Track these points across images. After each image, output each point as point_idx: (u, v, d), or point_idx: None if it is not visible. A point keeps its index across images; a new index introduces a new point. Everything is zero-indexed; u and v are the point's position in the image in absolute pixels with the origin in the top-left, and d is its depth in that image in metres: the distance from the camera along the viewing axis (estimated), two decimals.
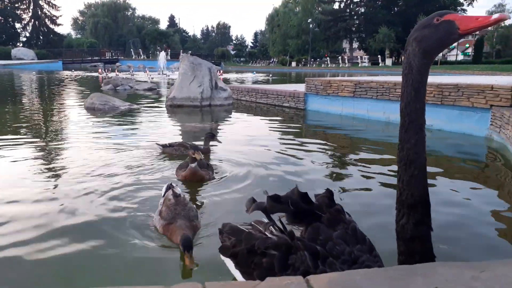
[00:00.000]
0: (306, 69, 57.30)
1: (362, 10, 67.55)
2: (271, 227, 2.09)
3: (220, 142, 5.87)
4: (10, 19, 77.99)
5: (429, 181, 1.99)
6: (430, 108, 7.17)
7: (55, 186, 4.24)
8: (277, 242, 1.94)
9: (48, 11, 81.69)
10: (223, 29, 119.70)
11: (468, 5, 60.83)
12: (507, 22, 55.41)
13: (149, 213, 3.44)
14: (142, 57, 68.17)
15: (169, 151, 5.64)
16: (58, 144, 6.61)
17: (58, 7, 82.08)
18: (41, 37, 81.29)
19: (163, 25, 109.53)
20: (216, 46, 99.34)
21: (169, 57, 52.79)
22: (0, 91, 19.17)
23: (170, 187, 3.35)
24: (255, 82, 25.77)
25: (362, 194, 4.24)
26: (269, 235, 2.03)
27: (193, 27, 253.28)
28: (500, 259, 1.62)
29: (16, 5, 79.03)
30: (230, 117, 11.08)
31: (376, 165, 5.47)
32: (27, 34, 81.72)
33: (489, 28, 57.16)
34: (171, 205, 3.05)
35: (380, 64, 53.89)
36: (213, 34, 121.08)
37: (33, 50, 63.21)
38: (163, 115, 10.74)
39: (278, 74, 42.64)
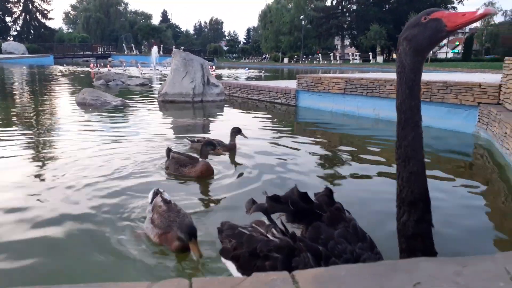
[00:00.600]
0: (298, 65, 57.30)
1: (354, 7, 67.64)
2: (272, 229, 2.06)
3: (246, 137, 5.90)
4: (0, 13, 76.80)
5: None
6: None
7: (43, 182, 4.23)
8: (280, 244, 1.92)
9: (39, 5, 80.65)
10: (215, 25, 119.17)
11: (459, 2, 61.24)
12: (496, 20, 55.83)
13: (138, 210, 3.45)
14: (134, 52, 67.64)
15: (196, 146, 5.70)
16: (47, 140, 6.57)
17: (50, 1, 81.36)
18: (32, 31, 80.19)
19: (156, 20, 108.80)
20: (209, 42, 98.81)
21: (161, 53, 52.46)
22: None
23: (157, 192, 3.23)
24: (247, 78, 25.71)
25: (356, 190, 4.28)
26: (271, 237, 2.01)
27: (186, 22, 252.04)
28: (482, 255, 1.65)
29: None
30: (222, 113, 11.07)
31: (367, 162, 5.52)
32: (18, 28, 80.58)
33: (478, 25, 57.64)
34: (163, 212, 2.92)
35: (371, 61, 54.07)
36: (206, 30, 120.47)
37: (24, 44, 62.30)
38: (155, 110, 10.70)
39: (271, 70, 42.61)
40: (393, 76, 10.48)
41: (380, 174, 4.82)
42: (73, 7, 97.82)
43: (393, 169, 5.00)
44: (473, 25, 65.26)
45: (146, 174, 4.59)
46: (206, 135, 6.19)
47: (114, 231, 3.06)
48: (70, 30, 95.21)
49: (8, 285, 2.37)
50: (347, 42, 71.88)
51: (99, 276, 2.51)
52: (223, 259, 2.19)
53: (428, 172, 1.99)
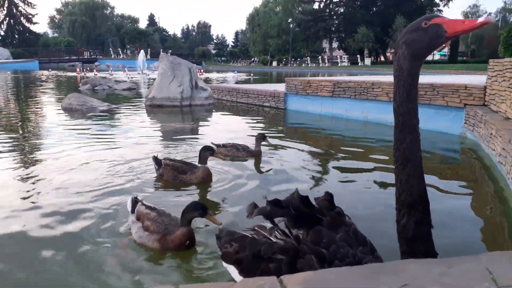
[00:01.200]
0: (287, 68, 57.50)
1: (342, 10, 68.16)
2: (276, 231, 2.06)
3: (270, 143, 5.88)
4: None
5: None
6: None
7: (29, 187, 4.16)
8: (284, 246, 1.92)
9: (24, 9, 79.63)
10: (203, 28, 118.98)
11: (444, 5, 62.18)
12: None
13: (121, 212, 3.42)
14: (121, 56, 67.19)
15: (222, 151, 5.67)
16: (33, 145, 6.47)
17: (34, 5, 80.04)
18: (17, 36, 79.11)
19: (143, 24, 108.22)
20: (196, 45, 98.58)
21: (148, 56, 52.16)
22: None
23: (136, 201, 3.19)
24: (237, 82, 25.71)
25: (346, 193, 4.29)
26: (275, 240, 2.01)
27: (173, 26, 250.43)
28: (468, 255, 1.67)
29: None
30: (211, 117, 11.05)
31: (357, 164, 5.56)
32: (2, 33, 79.38)
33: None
34: (155, 218, 2.92)
35: (359, 64, 54.50)
36: (194, 33, 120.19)
37: (8, 49, 61.50)
38: (142, 115, 10.63)
39: (259, 73, 42.67)
40: (381, 78, 10.60)
41: (373, 176, 4.86)
42: (58, 11, 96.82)
43: (385, 171, 5.05)
44: None
45: (136, 181, 4.52)
46: (231, 140, 6.16)
47: (96, 241, 3.02)
48: (56, 35, 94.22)
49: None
50: (335, 45, 72.38)
51: (87, 281, 2.48)
52: (224, 264, 2.17)
53: None
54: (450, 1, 61.29)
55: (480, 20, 1.72)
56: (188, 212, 2.76)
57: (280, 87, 12.44)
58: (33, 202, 3.77)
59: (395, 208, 2.01)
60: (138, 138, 7.08)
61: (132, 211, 3.12)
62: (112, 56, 66.64)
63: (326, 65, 57.04)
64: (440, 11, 62.06)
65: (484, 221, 3.61)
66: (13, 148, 6.29)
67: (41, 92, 18.38)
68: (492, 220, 3.69)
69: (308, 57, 64.92)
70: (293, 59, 67.81)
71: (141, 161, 5.33)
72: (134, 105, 12.87)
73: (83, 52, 66.58)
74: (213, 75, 36.68)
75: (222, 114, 11.49)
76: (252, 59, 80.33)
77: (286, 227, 2.07)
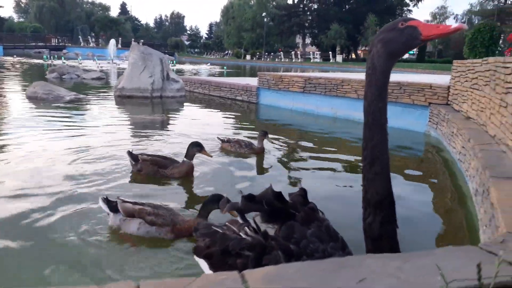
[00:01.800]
0: (260, 62, 57.48)
1: (315, 6, 68.65)
2: (245, 227, 2.06)
3: (271, 142, 5.79)
4: None
5: None
6: None
7: None
8: (251, 242, 1.93)
9: None
10: (177, 19, 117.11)
11: (414, 6, 63.70)
12: (448, 24, 58.54)
13: (88, 206, 3.35)
14: (91, 44, 65.21)
15: (226, 146, 5.67)
16: None
17: None
18: None
19: (114, 12, 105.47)
20: (169, 35, 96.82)
21: (119, 46, 50.93)
22: None
23: (108, 200, 3.12)
24: (211, 75, 25.50)
25: (317, 188, 4.33)
26: (244, 236, 2.01)
27: (146, 15, 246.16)
28: (423, 250, 1.73)
29: None
30: (182, 109, 10.94)
31: (327, 160, 5.65)
32: None
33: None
34: (153, 211, 2.99)
35: (331, 60, 55.15)
36: (167, 23, 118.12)
37: None
38: (111, 106, 10.39)
39: (233, 66, 42.47)
40: (350, 76, 10.77)
41: (338, 171, 4.96)
42: None
43: (353, 169, 5.16)
44: None
45: (109, 177, 4.40)
46: (236, 136, 6.08)
47: (64, 233, 2.96)
48: (22, 20, 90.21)
49: None
50: (308, 40, 72.89)
51: (47, 278, 2.42)
52: (196, 258, 2.18)
53: None
54: (419, 2, 62.87)
55: (454, 26, 1.78)
56: (209, 205, 2.92)
57: (253, 81, 12.45)
58: None
59: (362, 207, 2.04)
60: (105, 130, 6.92)
61: (113, 210, 3.05)
62: (82, 44, 64.57)
63: (299, 60, 57.42)
64: (410, 11, 63.64)
65: (444, 216, 3.76)
66: None
67: (4, 79, 17.61)
68: (451, 215, 3.85)
69: (281, 52, 65.14)
70: (266, 54, 67.87)
71: (108, 153, 5.22)
72: (103, 95, 12.56)
73: (51, 39, 64.13)
74: (186, 67, 36.23)
75: (194, 107, 11.39)
76: (226, 52, 79.82)
77: (255, 223, 2.07)
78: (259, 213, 2.11)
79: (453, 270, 1.51)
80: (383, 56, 1.91)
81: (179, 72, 24.62)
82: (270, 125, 8.76)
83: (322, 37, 60.41)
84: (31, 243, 2.80)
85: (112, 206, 3.05)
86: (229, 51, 78.11)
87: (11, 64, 29.49)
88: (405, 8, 63.54)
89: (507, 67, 3.88)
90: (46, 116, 8.21)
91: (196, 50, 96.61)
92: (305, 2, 68.38)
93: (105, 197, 3.15)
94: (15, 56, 41.95)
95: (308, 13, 68.70)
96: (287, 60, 59.06)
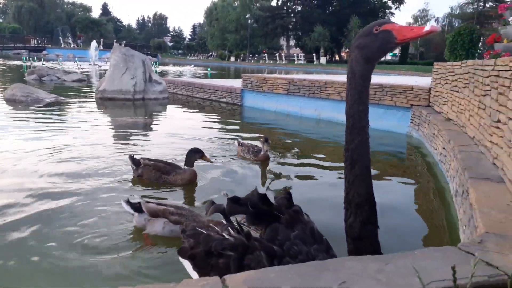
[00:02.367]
0: (244, 64, 57.52)
1: (299, 8, 69.11)
2: (229, 228, 2.07)
3: (269, 149, 5.57)
4: None
5: None
6: None
7: None
8: (234, 243, 1.94)
9: None
10: (160, 20, 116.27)
11: (396, 8, 64.76)
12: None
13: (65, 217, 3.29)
14: (72, 46, 64.19)
15: (238, 150, 5.60)
16: None
17: None
18: None
19: (96, 13, 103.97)
20: (152, 37, 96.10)
21: (101, 47, 50.25)
22: None
23: (129, 201, 3.19)
24: (194, 76, 25.37)
25: (301, 190, 4.37)
26: (227, 236, 2.02)
27: (128, 16, 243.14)
28: (404, 252, 1.75)
29: None
30: (165, 111, 10.85)
31: (310, 162, 5.66)
32: None
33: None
34: (176, 211, 3.08)
35: (315, 62, 55.56)
36: (150, 24, 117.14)
37: None
38: (92, 108, 10.23)
39: (217, 68, 42.39)
40: (334, 78, 10.86)
41: (322, 173, 4.98)
42: None
43: (336, 169, 5.19)
44: None
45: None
46: (251, 141, 5.94)
47: (35, 239, 2.89)
48: (0, 20, 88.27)
49: None
50: (292, 42, 73.29)
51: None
52: (180, 259, 2.19)
53: None
54: (402, 5, 63.91)
55: (426, 29, 1.80)
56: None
57: (237, 83, 12.43)
58: None
59: (344, 207, 2.06)
60: (86, 133, 6.81)
61: (137, 210, 3.13)
62: (62, 46, 63.51)
63: (283, 62, 57.71)
64: (392, 13, 64.69)
65: (425, 216, 3.82)
66: None
67: None
68: (433, 215, 3.91)
69: (266, 54, 65.34)
70: (251, 55, 67.97)
71: (89, 156, 5.13)
72: (84, 98, 12.37)
73: (30, 40, 62.93)
74: (169, 68, 35.98)
75: (177, 109, 11.32)
76: (210, 54, 79.63)
77: (237, 223, 2.08)
78: (245, 215, 2.12)
79: (432, 271, 1.53)
80: (360, 61, 1.95)
81: (163, 73, 24.45)
82: (254, 126, 8.75)
83: (306, 39, 60.85)
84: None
85: (135, 207, 3.14)
86: (213, 53, 77.92)
87: None
88: (387, 11, 64.57)
89: (485, 70, 3.96)
90: (24, 119, 8.02)
91: (179, 51, 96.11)
92: (288, 4, 68.79)
93: (127, 199, 3.22)
94: None
95: (292, 15, 69.12)
96: (271, 61, 59.28)
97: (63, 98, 11.28)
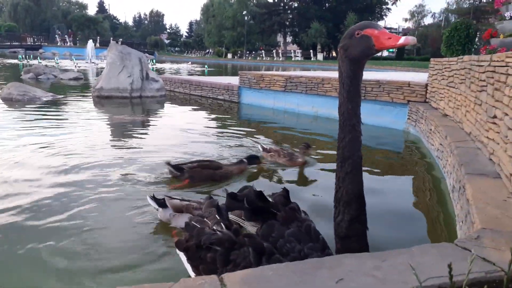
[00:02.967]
0: (241, 61, 57.39)
1: (295, 4, 68.93)
2: (221, 223, 2.13)
3: (313, 154, 5.42)
4: None
5: None
6: None
7: None
8: (221, 237, 1.99)
9: None
10: (156, 17, 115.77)
11: (392, 4, 64.51)
12: (426, 22, 59.59)
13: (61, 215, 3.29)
14: (68, 44, 63.90)
15: (265, 155, 5.41)
16: None
17: None
18: None
19: (92, 10, 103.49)
20: (149, 34, 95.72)
21: (98, 45, 50.05)
22: None
23: (154, 197, 3.27)
24: (192, 74, 25.31)
25: (299, 187, 4.37)
26: (217, 231, 2.08)
27: (125, 14, 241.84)
28: (401, 248, 1.76)
29: None
30: (163, 109, 10.83)
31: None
32: None
33: (410, 26, 61.26)
34: (199, 206, 3.07)
35: (312, 59, 55.46)
36: (146, 22, 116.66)
37: None
38: (89, 106, 10.20)
39: (214, 65, 42.27)
40: (330, 74, 10.85)
41: (319, 172, 4.98)
42: None
43: (333, 167, 5.18)
44: (405, 26, 69.23)
45: (84, 178, 4.34)
46: (276, 146, 5.85)
47: (25, 238, 2.89)
48: None
49: None
50: (289, 39, 73.14)
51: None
52: (177, 251, 2.26)
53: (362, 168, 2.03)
54: (398, 1, 63.82)
55: (401, 40, 1.82)
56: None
57: (234, 80, 12.40)
58: None
59: (333, 205, 2.06)
60: (83, 130, 6.79)
61: (162, 206, 3.23)
62: (58, 44, 63.23)
63: (280, 59, 57.58)
64: (389, 9, 64.69)
65: (423, 212, 3.83)
66: None
67: None
68: (430, 211, 3.92)
69: (263, 50, 65.21)
70: (248, 52, 67.82)
71: (87, 158, 5.12)
72: (81, 96, 12.33)
73: (26, 38, 62.62)
74: (166, 66, 35.89)
75: (175, 107, 11.29)
76: (207, 51, 79.38)
77: (227, 219, 2.13)
78: (242, 211, 2.15)
79: (429, 268, 1.53)
80: (346, 62, 1.97)
81: (160, 71, 24.38)
82: (252, 123, 8.75)
83: (303, 36, 60.73)
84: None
85: (160, 202, 3.25)
86: (210, 50, 77.70)
87: None
88: (384, 7, 64.48)
89: (481, 65, 3.97)
90: (20, 118, 7.99)
91: (176, 48, 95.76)
92: (285, 1, 68.60)
93: (152, 195, 3.31)
94: None
95: (289, 11, 68.96)
96: (268, 58, 59.14)
97: (60, 96, 11.24)
